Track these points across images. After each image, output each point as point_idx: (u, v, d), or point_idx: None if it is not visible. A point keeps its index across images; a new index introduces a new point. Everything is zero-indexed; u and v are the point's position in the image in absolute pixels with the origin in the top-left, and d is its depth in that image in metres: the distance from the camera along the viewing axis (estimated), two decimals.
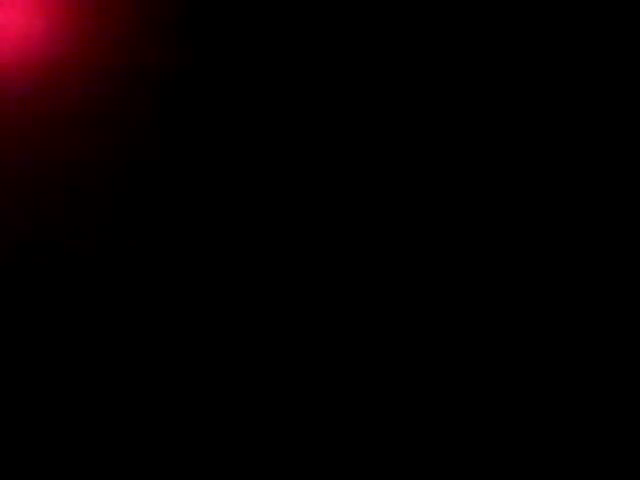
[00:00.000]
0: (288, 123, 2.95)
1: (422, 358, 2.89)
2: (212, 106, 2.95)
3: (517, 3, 2.95)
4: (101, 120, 2.91)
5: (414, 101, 2.95)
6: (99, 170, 2.90)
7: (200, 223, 2.92)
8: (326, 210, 2.93)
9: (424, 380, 2.88)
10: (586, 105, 2.94)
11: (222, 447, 2.85)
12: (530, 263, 2.91)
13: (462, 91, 2.95)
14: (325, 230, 2.92)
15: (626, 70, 2.94)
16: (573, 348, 2.88)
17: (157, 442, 2.85)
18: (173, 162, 2.93)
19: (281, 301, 2.90)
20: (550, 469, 2.83)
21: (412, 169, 2.94)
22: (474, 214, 2.92)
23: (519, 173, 2.93)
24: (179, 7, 2.89)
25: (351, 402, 2.87)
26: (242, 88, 2.94)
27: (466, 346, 2.88)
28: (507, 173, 2.93)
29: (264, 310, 2.90)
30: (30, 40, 2.84)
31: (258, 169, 2.94)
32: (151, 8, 2.83)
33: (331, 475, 2.84)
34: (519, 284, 2.90)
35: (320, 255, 2.92)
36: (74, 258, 2.89)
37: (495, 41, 2.95)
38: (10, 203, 2.87)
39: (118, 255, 2.90)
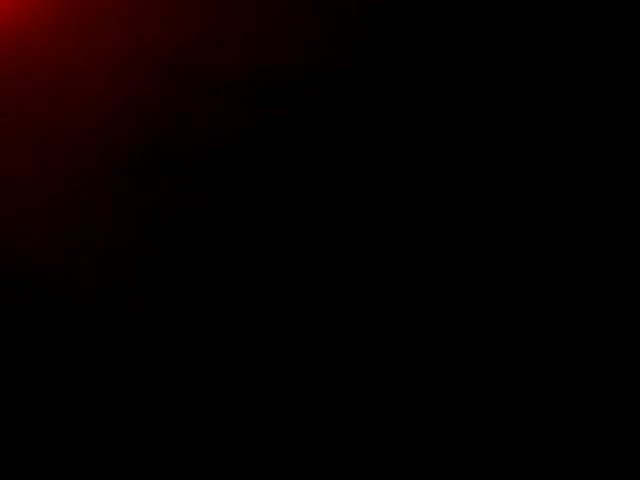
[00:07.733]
0: (285, 123, 2.95)
1: (422, 358, 2.89)
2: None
3: (518, 3, 2.95)
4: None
5: (415, 102, 2.95)
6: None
7: (200, 224, 2.92)
8: (326, 211, 2.93)
9: (424, 380, 2.88)
10: (586, 105, 2.94)
11: (222, 447, 2.86)
12: (530, 263, 2.91)
13: (463, 92, 2.95)
14: (326, 231, 2.93)
15: (626, 70, 2.94)
16: (573, 348, 2.88)
17: (157, 442, 2.85)
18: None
19: (282, 302, 2.91)
20: (550, 469, 2.84)
21: (412, 170, 2.94)
22: (474, 214, 2.92)
23: (519, 173, 2.93)
24: None
25: (351, 402, 2.87)
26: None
27: (466, 346, 2.89)
28: (507, 173, 2.93)
29: (265, 311, 2.90)
30: None
31: (259, 170, 2.94)
32: None
33: (331, 475, 2.84)
34: (519, 284, 2.90)
35: (321, 256, 2.92)
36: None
37: (496, 41, 2.95)
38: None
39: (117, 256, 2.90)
